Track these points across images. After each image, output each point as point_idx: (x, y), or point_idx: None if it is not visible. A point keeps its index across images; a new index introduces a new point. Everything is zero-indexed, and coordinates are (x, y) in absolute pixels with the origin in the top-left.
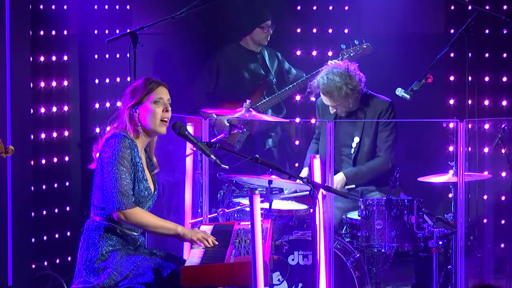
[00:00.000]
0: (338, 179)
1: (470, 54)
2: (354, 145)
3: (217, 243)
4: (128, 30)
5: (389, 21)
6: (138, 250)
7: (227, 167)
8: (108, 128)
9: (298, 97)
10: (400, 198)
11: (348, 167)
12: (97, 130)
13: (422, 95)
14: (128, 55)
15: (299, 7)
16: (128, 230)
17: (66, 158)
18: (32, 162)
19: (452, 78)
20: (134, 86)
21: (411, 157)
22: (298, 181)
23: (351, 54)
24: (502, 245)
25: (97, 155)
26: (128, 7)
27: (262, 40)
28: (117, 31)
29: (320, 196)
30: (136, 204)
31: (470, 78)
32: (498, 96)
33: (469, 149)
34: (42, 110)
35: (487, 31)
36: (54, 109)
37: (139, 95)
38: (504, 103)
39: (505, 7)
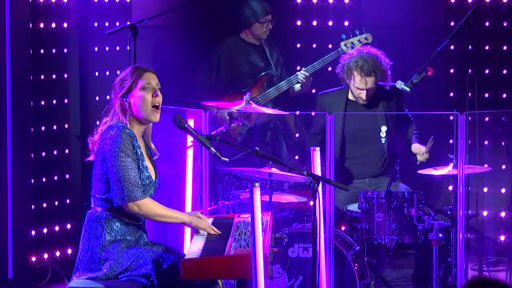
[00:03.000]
0: (423, 149)
1: (470, 47)
2: (383, 134)
3: (219, 231)
4: (128, 23)
5: (389, 14)
6: (139, 241)
7: (227, 159)
8: (103, 120)
9: None
10: (400, 191)
11: (377, 158)
12: (97, 123)
13: (422, 88)
14: (128, 47)
15: (299, 0)
16: (130, 220)
17: (66, 151)
18: (32, 155)
19: (452, 70)
20: (122, 75)
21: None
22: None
23: (352, 44)
24: (502, 238)
25: (95, 147)
26: None
27: (262, 34)
28: (117, 24)
29: (320, 189)
30: (144, 193)
31: (470, 71)
32: (498, 89)
33: (469, 141)
34: (42, 103)
35: (487, 23)
36: (54, 101)
37: (128, 84)
38: (504, 95)
39: None
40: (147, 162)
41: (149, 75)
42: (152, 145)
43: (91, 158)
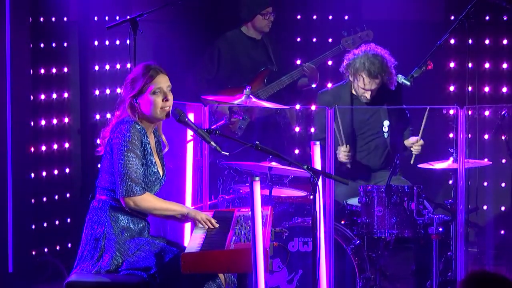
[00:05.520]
0: (415, 138)
1: (470, 41)
2: (386, 129)
3: (218, 225)
4: (128, 17)
5: (389, 7)
6: (142, 233)
7: (227, 153)
8: (116, 114)
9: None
10: (400, 185)
11: (379, 153)
12: (97, 117)
13: (422, 82)
14: (128, 41)
15: None
16: (133, 210)
17: (66, 145)
18: (32, 149)
19: (452, 64)
20: (134, 74)
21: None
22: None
23: (352, 41)
24: (502, 232)
25: (105, 141)
26: None
27: (264, 27)
28: (117, 18)
29: (320, 183)
30: (144, 190)
31: (470, 65)
32: (499, 83)
33: (469, 135)
34: (42, 97)
35: (487, 17)
36: (54, 96)
37: (139, 86)
38: (505, 89)
39: None
40: (155, 158)
41: (161, 78)
42: (163, 137)
43: (101, 149)
